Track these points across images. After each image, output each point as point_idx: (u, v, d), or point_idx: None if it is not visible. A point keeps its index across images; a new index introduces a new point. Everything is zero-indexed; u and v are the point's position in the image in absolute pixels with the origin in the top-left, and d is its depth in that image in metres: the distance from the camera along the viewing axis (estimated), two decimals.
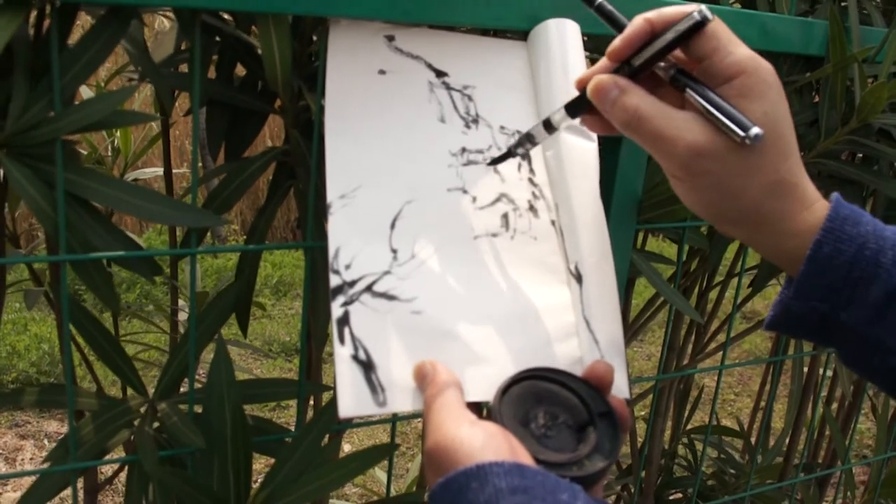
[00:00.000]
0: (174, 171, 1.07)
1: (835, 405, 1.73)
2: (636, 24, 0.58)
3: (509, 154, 0.69)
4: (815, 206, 0.58)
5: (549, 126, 0.65)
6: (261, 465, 2.63)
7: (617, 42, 0.59)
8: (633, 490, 1.55)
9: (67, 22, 0.65)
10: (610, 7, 0.63)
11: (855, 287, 0.57)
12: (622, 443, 0.59)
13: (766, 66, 0.56)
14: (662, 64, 0.59)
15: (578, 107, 0.63)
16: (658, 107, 0.57)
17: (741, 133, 0.54)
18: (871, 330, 0.58)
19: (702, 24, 0.55)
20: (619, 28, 0.60)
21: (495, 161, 0.70)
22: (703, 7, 0.55)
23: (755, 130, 0.54)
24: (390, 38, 0.72)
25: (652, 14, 0.58)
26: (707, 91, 0.56)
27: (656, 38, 0.57)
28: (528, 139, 0.67)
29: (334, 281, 0.63)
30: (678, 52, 0.59)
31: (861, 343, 0.59)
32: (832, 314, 0.58)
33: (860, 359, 0.60)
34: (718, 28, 0.56)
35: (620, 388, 0.65)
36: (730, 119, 0.55)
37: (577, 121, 0.64)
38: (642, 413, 2.98)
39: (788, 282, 0.61)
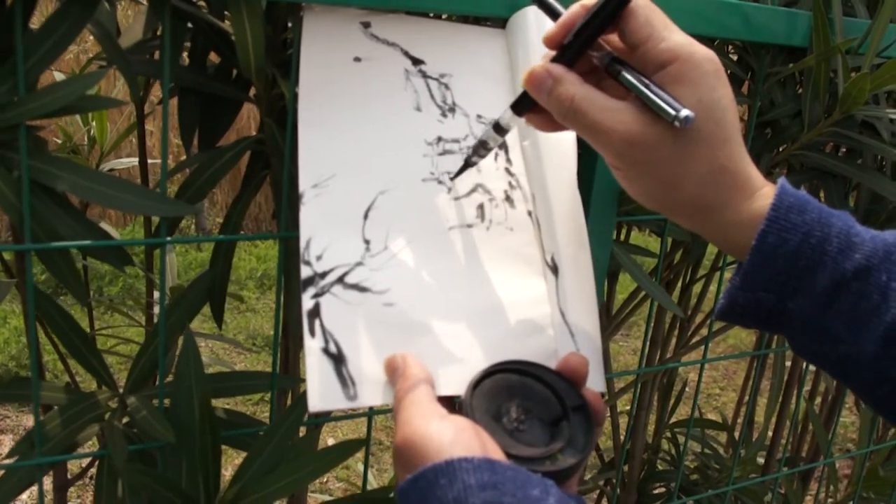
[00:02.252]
0: (152, 161, 1.05)
1: (818, 399, 1.73)
2: (572, 9, 0.58)
3: (466, 165, 0.68)
4: (759, 193, 0.57)
5: (499, 129, 0.64)
6: (237, 456, 2.61)
7: (553, 28, 0.58)
8: (615, 484, 1.54)
9: (30, 3, 0.64)
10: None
11: (801, 277, 0.56)
12: (596, 437, 0.58)
13: (702, 53, 0.55)
14: (597, 53, 0.58)
15: (523, 104, 0.62)
16: (593, 96, 0.56)
17: (672, 112, 0.53)
18: (819, 319, 0.57)
19: (626, 1, 0.55)
20: (556, 17, 0.60)
21: (458, 174, 0.69)
22: None
23: (685, 112, 0.53)
24: (366, 25, 0.70)
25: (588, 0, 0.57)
26: (640, 77, 0.56)
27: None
28: (482, 146, 0.66)
29: (305, 272, 0.62)
30: (616, 41, 0.58)
31: (810, 332, 0.58)
32: (779, 304, 0.58)
33: (810, 347, 0.59)
34: (653, 15, 0.56)
35: (596, 382, 0.64)
36: (662, 101, 0.54)
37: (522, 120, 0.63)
38: (626, 407, 2.98)
39: (738, 269, 0.60)
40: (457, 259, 0.66)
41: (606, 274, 0.89)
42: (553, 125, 0.61)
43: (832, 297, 0.56)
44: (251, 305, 4.05)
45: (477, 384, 0.58)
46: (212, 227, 4.84)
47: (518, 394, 0.58)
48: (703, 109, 0.54)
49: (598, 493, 1.61)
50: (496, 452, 0.51)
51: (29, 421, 2.91)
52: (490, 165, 0.70)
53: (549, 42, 0.59)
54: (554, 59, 0.58)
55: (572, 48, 0.58)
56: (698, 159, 0.55)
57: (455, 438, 0.50)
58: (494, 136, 0.65)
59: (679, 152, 0.55)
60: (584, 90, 0.56)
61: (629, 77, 0.56)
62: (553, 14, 0.61)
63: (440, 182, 0.68)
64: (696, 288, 1.40)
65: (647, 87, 0.55)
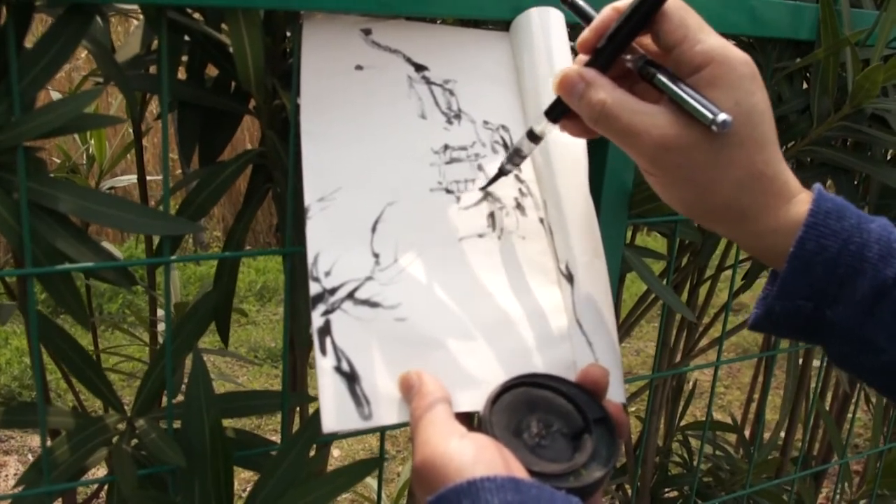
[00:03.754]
0: (152, 178, 1.04)
1: (829, 395, 1.72)
2: (604, 12, 0.56)
3: (501, 173, 0.66)
4: (797, 199, 0.56)
5: (533, 137, 0.63)
6: (247, 476, 2.59)
7: (586, 32, 0.57)
8: (628, 490, 1.53)
9: (24, 22, 0.62)
10: (580, 2, 0.61)
11: (841, 284, 0.55)
12: (620, 449, 0.56)
13: (738, 56, 0.54)
14: (630, 56, 0.57)
15: (557, 109, 0.60)
16: (626, 100, 0.55)
17: (709, 116, 0.52)
18: (860, 327, 0.55)
19: (660, 2, 0.53)
20: (588, 20, 0.59)
21: (489, 184, 0.67)
22: None
23: (723, 116, 0.51)
24: (367, 32, 0.69)
25: (620, 2, 0.56)
26: (676, 80, 0.54)
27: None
28: (516, 154, 0.65)
29: (314, 289, 0.60)
30: (649, 44, 0.57)
31: (849, 341, 0.56)
32: (818, 312, 0.56)
33: (849, 357, 0.58)
34: (688, 16, 0.54)
35: (616, 392, 0.62)
36: (699, 104, 0.53)
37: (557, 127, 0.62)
38: (632, 410, 2.96)
39: (772, 278, 0.59)
40: (469, 270, 0.65)
41: (618, 279, 0.88)
42: (588, 131, 0.60)
43: (873, 305, 0.54)
44: (251, 318, 4.03)
45: (496, 399, 0.56)
46: (209, 242, 4.82)
47: (538, 408, 0.57)
48: (740, 113, 0.53)
49: (610, 498, 1.59)
50: (519, 470, 0.50)
51: (34, 442, 2.89)
52: None
53: (583, 47, 0.57)
54: (587, 64, 0.57)
55: (605, 52, 0.56)
56: (735, 164, 0.54)
57: (476, 457, 0.49)
58: (529, 145, 0.64)
59: (715, 157, 0.54)
60: (616, 94, 0.55)
61: (664, 80, 0.54)
62: (584, 17, 0.60)
63: (449, 191, 0.67)
64: (702, 289, 1.39)
65: (682, 89, 0.53)
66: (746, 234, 0.57)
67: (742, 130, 0.53)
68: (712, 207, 0.56)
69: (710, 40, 0.54)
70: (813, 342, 0.60)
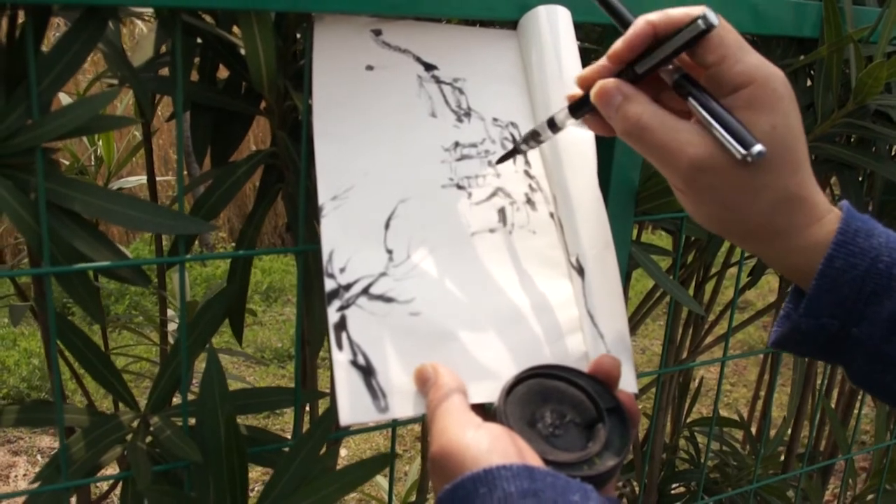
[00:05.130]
0: (159, 178, 1.05)
1: (835, 391, 1.72)
2: (638, 26, 0.55)
3: (516, 150, 0.67)
4: (826, 219, 0.56)
5: (553, 125, 0.63)
6: (257, 472, 2.60)
7: (618, 44, 0.56)
8: (635, 486, 1.53)
9: (41, 26, 0.63)
10: (616, 2, 0.60)
11: (868, 302, 0.55)
12: (632, 439, 0.57)
13: (777, 75, 0.53)
14: (667, 68, 0.56)
15: (581, 107, 0.60)
16: (661, 117, 0.55)
17: (742, 151, 0.51)
18: (884, 346, 0.55)
19: (706, 31, 0.52)
20: (625, 24, 0.57)
21: (502, 158, 0.68)
22: (708, 11, 0.52)
23: (757, 148, 0.51)
24: (377, 33, 0.70)
25: (655, 16, 0.55)
26: (711, 101, 0.53)
27: (659, 43, 0.54)
28: (533, 136, 0.65)
29: (329, 285, 0.61)
30: (684, 56, 0.56)
31: (873, 360, 0.56)
32: (843, 330, 0.56)
33: (871, 377, 0.58)
34: (727, 35, 0.53)
35: (628, 382, 0.63)
36: (732, 133, 0.52)
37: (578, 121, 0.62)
38: (639, 407, 2.96)
39: (793, 297, 0.59)
40: (481, 265, 0.66)
41: (626, 276, 0.89)
42: (608, 129, 0.60)
43: None
44: (258, 318, 4.04)
45: (510, 390, 0.57)
46: (214, 242, 4.83)
47: (552, 398, 0.58)
48: (777, 136, 0.52)
49: (618, 494, 1.60)
50: (534, 459, 0.51)
51: (43, 442, 2.90)
52: (509, 168, 0.70)
53: (614, 58, 0.56)
54: (622, 75, 0.56)
55: (645, 68, 0.55)
56: (770, 187, 0.54)
57: (492, 446, 0.50)
58: (548, 132, 0.64)
59: (750, 180, 0.53)
60: (651, 109, 0.55)
61: (697, 105, 0.54)
62: (621, 21, 0.59)
63: (460, 188, 0.67)
64: (708, 286, 1.39)
65: (715, 115, 0.53)
66: (774, 252, 0.57)
67: (777, 154, 0.53)
68: (744, 228, 0.56)
69: (749, 59, 0.53)
70: (835, 361, 0.59)
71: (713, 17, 0.52)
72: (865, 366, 0.57)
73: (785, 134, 0.53)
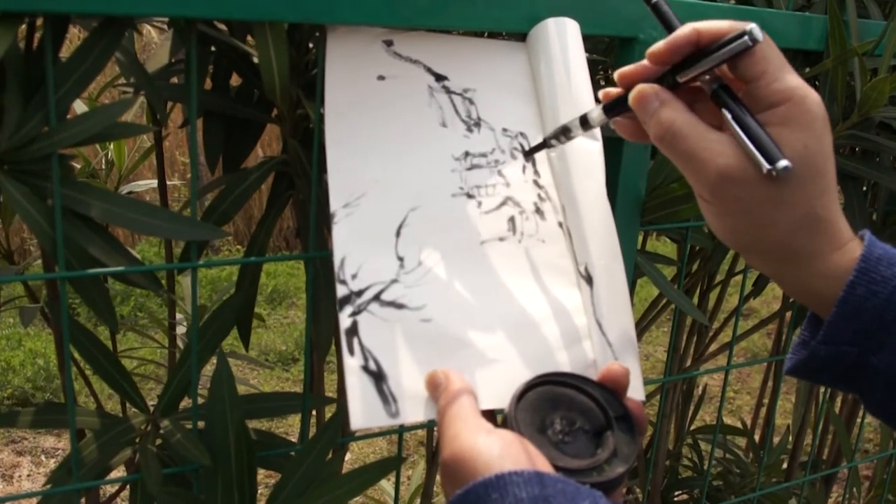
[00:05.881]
0: (170, 183, 1.06)
1: (839, 399, 1.73)
2: (684, 31, 0.55)
3: (545, 144, 0.68)
4: (848, 245, 0.56)
5: (585, 123, 0.64)
6: (261, 475, 2.61)
7: (660, 45, 0.56)
8: (638, 493, 1.54)
9: (59, 35, 0.64)
10: (666, 7, 0.60)
11: (888, 331, 0.55)
12: (639, 446, 0.58)
13: (814, 97, 0.54)
14: (706, 76, 0.57)
15: (616, 107, 0.61)
16: (694, 125, 0.55)
17: (766, 165, 0.52)
18: None
19: (751, 46, 0.53)
20: (671, 29, 0.58)
21: (532, 151, 0.70)
22: (755, 27, 0.52)
23: (783, 163, 0.51)
24: (389, 43, 0.71)
25: (702, 25, 0.55)
26: (745, 114, 0.54)
27: (700, 52, 0.55)
28: (563, 132, 0.66)
29: (341, 291, 0.62)
30: (724, 68, 0.56)
31: (891, 389, 0.56)
32: (862, 359, 0.56)
33: (888, 405, 0.58)
34: (770, 52, 0.54)
35: (636, 390, 0.64)
36: (760, 147, 0.52)
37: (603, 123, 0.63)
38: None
39: (810, 323, 0.59)
40: (491, 273, 0.67)
41: (632, 284, 0.89)
42: (636, 135, 0.61)
43: None
44: (263, 321, 4.04)
45: (520, 397, 0.58)
46: (220, 245, 4.85)
47: (561, 405, 0.58)
48: (807, 156, 0.53)
49: (623, 502, 1.60)
50: (544, 465, 0.51)
51: (46, 443, 2.91)
52: (518, 178, 0.71)
53: (655, 58, 0.57)
54: (661, 81, 0.57)
55: (688, 77, 0.56)
56: (796, 205, 0.54)
57: (503, 452, 0.51)
58: (579, 129, 0.65)
59: (777, 195, 0.54)
60: (686, 117, 0.55)
61: (730, 118, 0.54)
62: (667, 25, 0.59)
63: (470, 196, 0.68)
64: (712, 294, 1.40)
65: (746, 128, 0.53)
66: (795, 275, 0.57)
67: (806, 173, 0.53)
68: (765, 244, 0.56)
69: (788, 78, 0.54)
70: (851, 390, 0.59)
71: (759, 33, 0.52)
72: (884, 395, 0.57)
73: (815, 154, 0.53)
